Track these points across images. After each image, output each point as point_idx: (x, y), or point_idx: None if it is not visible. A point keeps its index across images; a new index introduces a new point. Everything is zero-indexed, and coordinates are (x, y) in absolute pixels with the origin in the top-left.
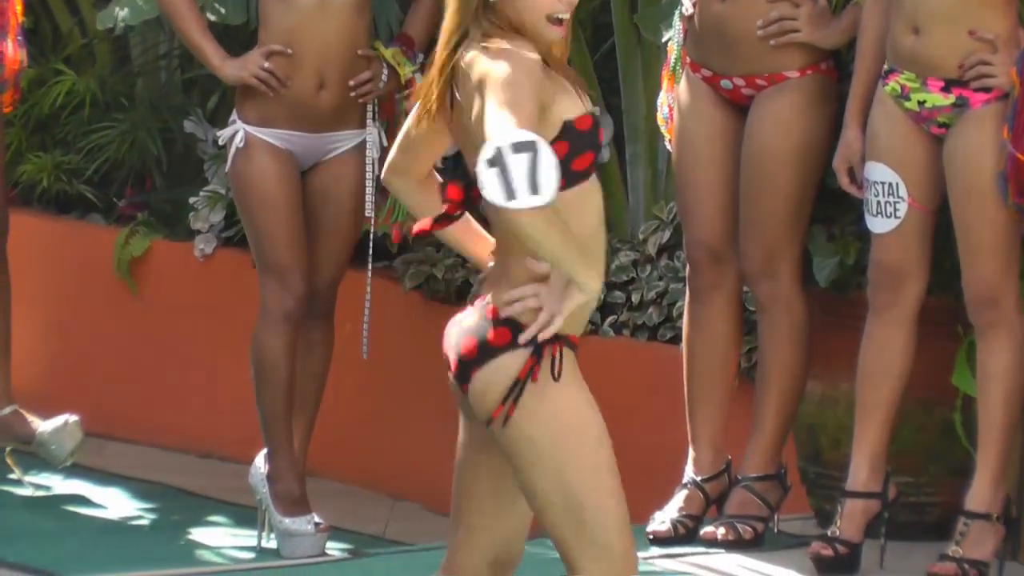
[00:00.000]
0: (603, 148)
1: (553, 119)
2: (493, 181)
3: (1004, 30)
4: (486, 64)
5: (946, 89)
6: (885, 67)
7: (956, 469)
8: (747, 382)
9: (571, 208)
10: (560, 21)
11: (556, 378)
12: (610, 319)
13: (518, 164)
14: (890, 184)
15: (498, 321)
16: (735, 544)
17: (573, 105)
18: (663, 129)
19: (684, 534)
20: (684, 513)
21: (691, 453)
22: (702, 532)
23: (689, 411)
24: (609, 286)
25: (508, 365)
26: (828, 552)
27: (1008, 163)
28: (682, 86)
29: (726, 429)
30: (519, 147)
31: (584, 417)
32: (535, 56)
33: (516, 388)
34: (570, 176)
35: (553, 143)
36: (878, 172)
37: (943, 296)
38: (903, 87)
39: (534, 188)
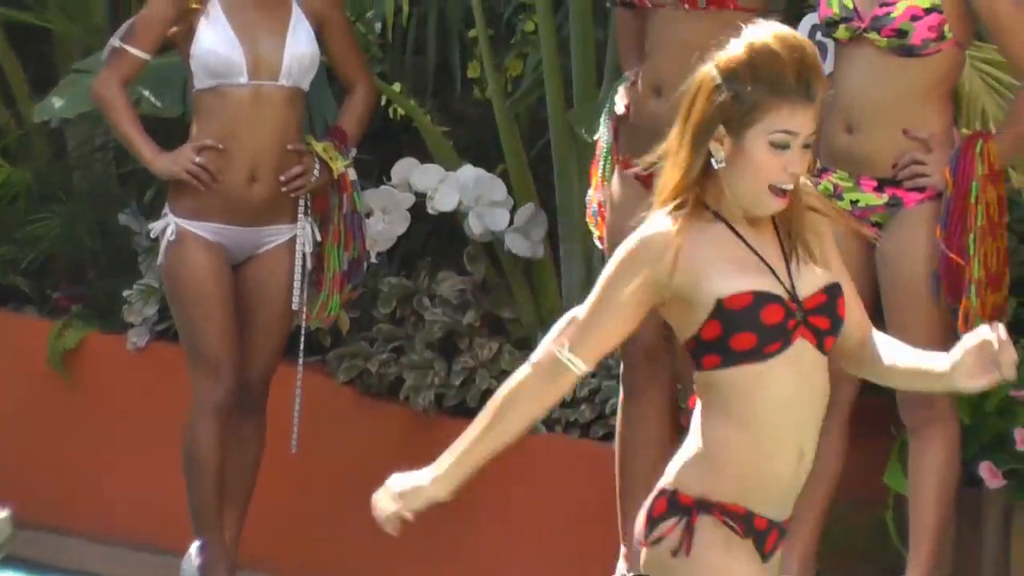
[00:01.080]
0: (773, 330)
1: (702, 297)
2: None
3: (939, 129)
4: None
5: (879, 188)
6: (818, 166)
7: (888, 569)
8: None
9: (738, 390)
10: (784, 192)
11: (674, 553)
12: None
13: None
14: None
15: (662, 492)
16: None
17: (732, 281)
18: (591, 226)
19: None
20: None
21: (623, 550)
22: None
23: (620, 508)
24: None
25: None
26: None
27: (941, 263)
28: (614, 183)
29: None
30: None
31: None
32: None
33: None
34: (729, 355)
35: (706, 321)
36: None
37: (876, 396)
38: (836, 186)
39: None
